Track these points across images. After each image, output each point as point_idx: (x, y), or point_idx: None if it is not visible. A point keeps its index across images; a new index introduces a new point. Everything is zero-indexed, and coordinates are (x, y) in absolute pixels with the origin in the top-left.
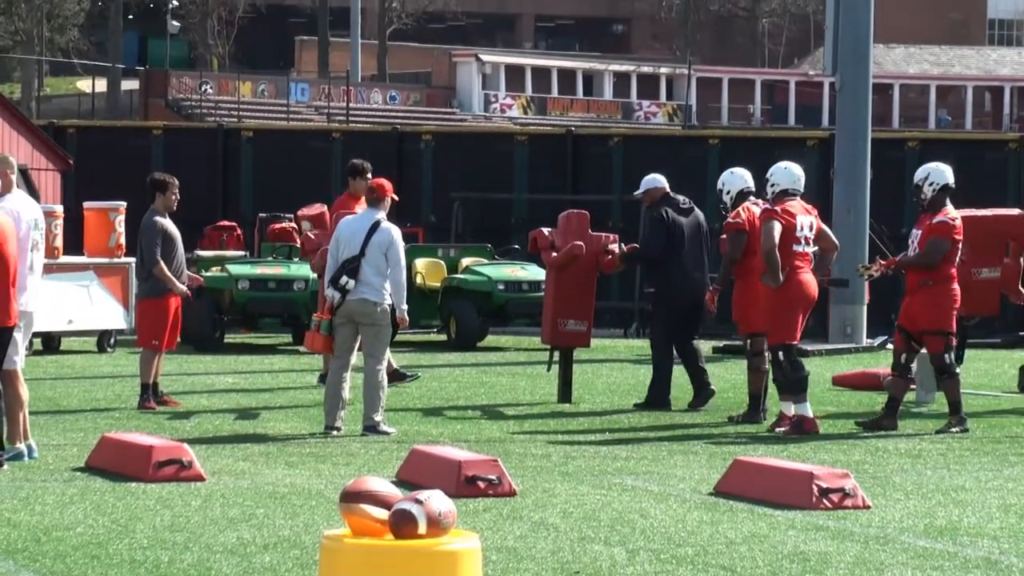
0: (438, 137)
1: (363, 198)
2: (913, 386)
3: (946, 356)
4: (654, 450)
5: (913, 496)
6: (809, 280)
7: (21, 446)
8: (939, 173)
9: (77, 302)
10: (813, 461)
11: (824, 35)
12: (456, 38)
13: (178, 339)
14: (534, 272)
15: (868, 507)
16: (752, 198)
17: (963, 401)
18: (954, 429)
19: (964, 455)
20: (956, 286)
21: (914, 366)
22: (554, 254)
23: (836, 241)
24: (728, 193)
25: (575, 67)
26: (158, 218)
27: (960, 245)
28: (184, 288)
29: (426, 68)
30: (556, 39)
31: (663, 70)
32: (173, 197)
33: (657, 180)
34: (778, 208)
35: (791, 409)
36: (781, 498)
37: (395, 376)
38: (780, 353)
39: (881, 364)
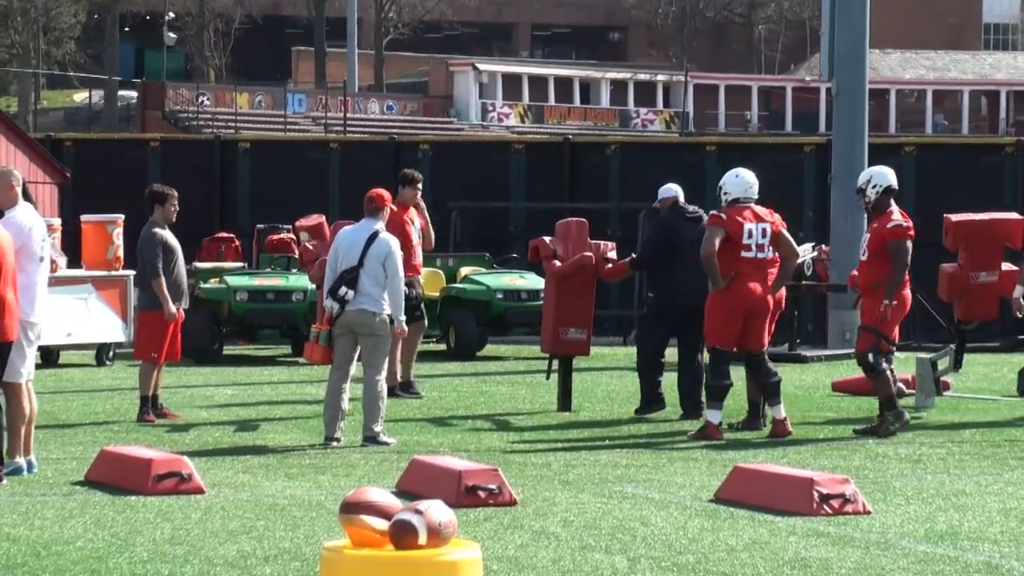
0: (435, 147)
1: (409, 207)
2: (911, 390)
3: (870, 355)
4: (654, 458)
5: (913, 501)
6: (751, 288)
7: (20, 460)
8: (881, 175)
9: (75, 315)
10: (813, 467)
11: (820, 41)
12: (453, 47)
13: (180, 351)
14: (533, 281)
15: (868, 512)
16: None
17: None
18: (894, 426)
19: (964, 459)
20: (907, 292)
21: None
22: (557, 262)
23: (796, 249)
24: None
25: (572, 75)
26: (157, 230)
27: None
28: (174, 310)
29: (423, 78)
30: (552, 47)
31: (660, 77)
32: (172, 209)
33: (671, 190)
34: (723, 214)
35: (715, 417)
36: (782, 504)
37: (407, 388)
38: (709, 357)
39: None
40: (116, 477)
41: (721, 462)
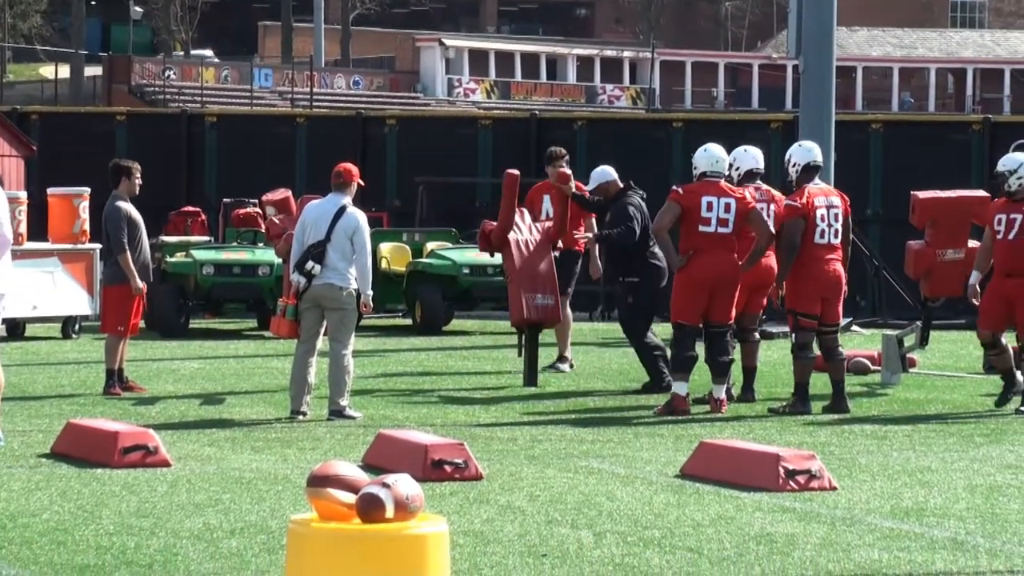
0: (402, 122)
1: (553, 186)
2: (877, 367)
3: (793, 335)
4: (620, 433)
5: (879, 477)
6: (712, 263)
7: None
8: (801, 152)
9: (41, 288)
10: (779, 443)
11: (787, 18)
12: (420, 23)
13: (140, 325)
14: (499, 256)
15: (834, 488)
16: (759, 180)
17: (810, 383)
18: (787, 408)
19: (930, 436)
20: (816, 268)
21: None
22: (492, 223)
23: (769, 229)
24: (737, 170)
25: (539, 51)
26: (122, 204)
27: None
28: (141, 285)
29: (389, 53)
30: (519, 23)
31: (626, 54)
32: (136, 182)
33: (609, 173)
34: (680, 190)
35: (682, 389)
36: (747, 480)
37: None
38: (673, 332)
39: (847, 346)
40: (82, 450)
41: (687, 438)
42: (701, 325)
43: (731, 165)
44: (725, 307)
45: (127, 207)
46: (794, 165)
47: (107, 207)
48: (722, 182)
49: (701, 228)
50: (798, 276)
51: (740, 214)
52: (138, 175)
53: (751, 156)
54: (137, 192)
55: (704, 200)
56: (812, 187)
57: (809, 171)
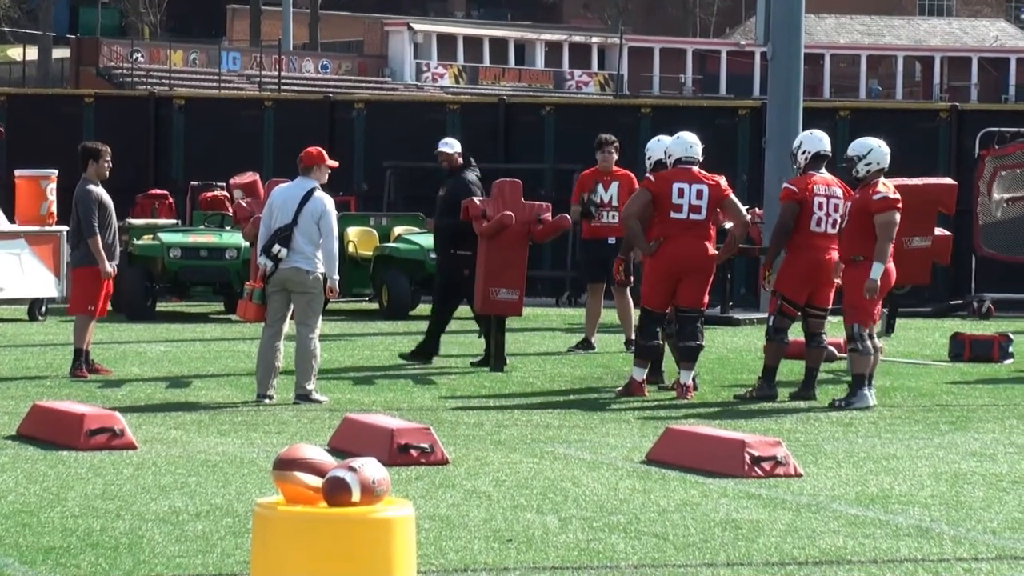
0: (370, 106)
1: (603, 172)
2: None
3: (771, 317)
4: (586, 419)
5: (845, 464)
6: (682, 249)
7: None
8: (812, 141)
9: (8, 270)
10: (745, 429)
11: (756, 5)
12: (388, 7)
13: (108, 307)
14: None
15: (800, 475)
16: (823, 168)
17: (778, 368)
18: (753, 393)
19: (895, 423)
20: (808, 256)
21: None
22: (485, 223)
23: (743, 217)
24: (804, 154)
25: (507, 36)
26: (92, 187)
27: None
28: (110, 269)
29: (358, 37)
30: (488, 8)
31: (595, 40)
32: (105, 165)
33: (453, 145)
34: (652, 177)
35: (639, 375)
36: (713, 466)
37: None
38: (640, 317)
39: None
40: (48, 432)
41: (653, 423)
42: (668, 311)
43: (797, 148)
44: (694, 292)
45: (98, 190)
46: (804, 152)
47: (78, 190)
48: (695, 168)
49: (673, 215)
50: (790, 261)
51: (714, 201)
52: (107, 158)
53: (817, 138)
54: (106, 175)
55: (675, 187)
56: (816, 175)
57: (818, 160)
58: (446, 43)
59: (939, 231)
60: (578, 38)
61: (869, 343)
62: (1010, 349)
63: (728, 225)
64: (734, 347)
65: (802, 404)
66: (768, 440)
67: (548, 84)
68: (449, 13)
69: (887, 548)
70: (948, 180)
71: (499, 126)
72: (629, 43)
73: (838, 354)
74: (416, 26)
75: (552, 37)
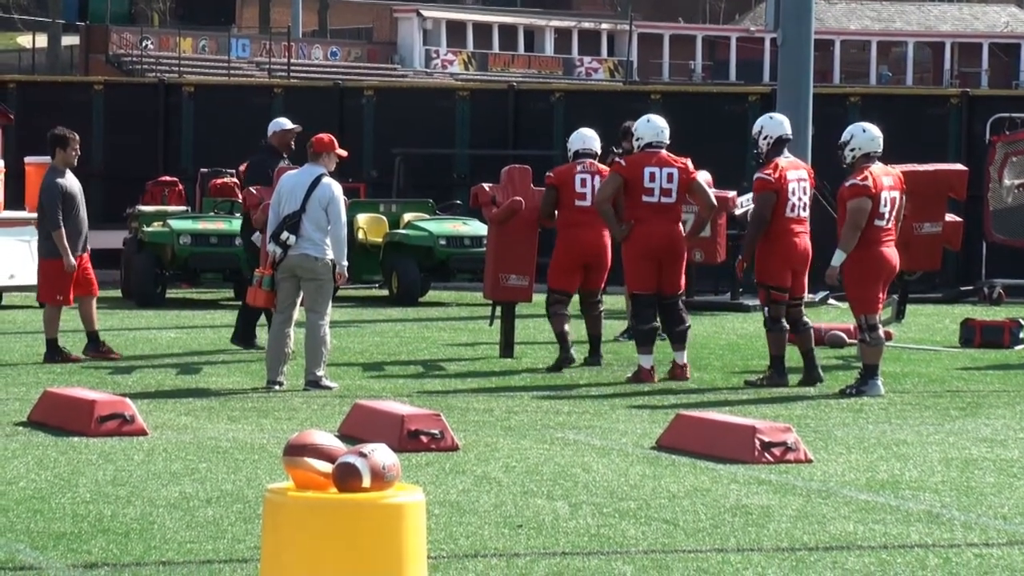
0: (380, 93)
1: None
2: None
3: (766, 308)
4: (596, 405)
5: (855, 450)
6: (655, 232)
7: None
8: (773, 125)
9: (18, 257)
10: (755, 415)
11: None
12: None
13: (97, 289)
14: (476, 227)
15: (810, 461)
16: (786, 151)
17: (785, 356)
18: (764, 381)
19: (905, 409)
20: (787, 241)
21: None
22: (495, 209)
23: (710, 201)
24: (766, 139)
25: (516, 23)
26: (58, 179)
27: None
28: (73, 262)
29: (367, 24)
30: None
31: (604, 26)
32: (74, 153)
33: (283, 124)
34: (623, 162)
35: (647, 362)
36: (723, 452)
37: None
38: (631, 303)
39: (821, 319)
40: (59, 418)
41: (663, 410)
42: (656, 293)
43: (758, 133)
44: (673, 277)
45: (64, 182)
46: (765, 137)
47: (43, 181)
48: (664, 152)
49: (644, 198)
50: (768, 250)
51: (683, 184)
52: (76, 145)
53: (778, 122)
54: (74, 163)
55: (647, 171)
56: (783, 160)
57: (780, 144)
58: (455, 30)
59: (950, 217)
60: (587, 25)
61: (879, 333)
62: (1021, 335)
63: (737, 212)
64: (744, 333)
65: (812, 390)
66: (778, 426)
67: (558, 71)
68: (459, 0)
69: (897, 534)
70: (959, 166)
71: (508, 113)
72: (639, 30)
73: (848, 340)
74: (425, 13)
75: (561, 24)
